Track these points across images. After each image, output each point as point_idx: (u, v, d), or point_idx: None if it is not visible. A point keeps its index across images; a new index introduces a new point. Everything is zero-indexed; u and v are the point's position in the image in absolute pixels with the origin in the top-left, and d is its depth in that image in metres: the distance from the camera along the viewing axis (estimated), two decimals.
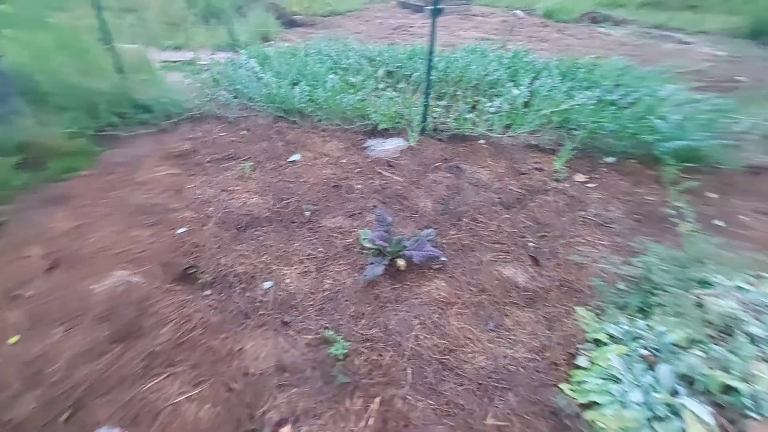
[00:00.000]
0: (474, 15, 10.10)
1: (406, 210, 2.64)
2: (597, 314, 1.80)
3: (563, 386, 1.59)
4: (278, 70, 4.52)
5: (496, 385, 1.61)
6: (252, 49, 5.55)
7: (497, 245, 2.33)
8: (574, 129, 3.26)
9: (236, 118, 3.89)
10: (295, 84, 4.22)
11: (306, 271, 2.15)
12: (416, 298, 2.00)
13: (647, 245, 1.92)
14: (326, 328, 1.83)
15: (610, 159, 3.05)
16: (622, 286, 1.90)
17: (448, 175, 2.99)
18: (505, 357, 1.71)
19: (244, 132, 3.66)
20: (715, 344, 1.47)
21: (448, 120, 3.67)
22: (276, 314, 1.91)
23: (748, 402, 1.31)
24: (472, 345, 1.77)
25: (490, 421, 1.50)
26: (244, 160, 3.17)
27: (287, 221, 2.51)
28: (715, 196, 2.64)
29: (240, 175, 2.97)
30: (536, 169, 3.03)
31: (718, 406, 1.35)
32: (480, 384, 1.62)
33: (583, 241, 2.31)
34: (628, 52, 5.40)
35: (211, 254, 2.25)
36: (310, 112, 3.90)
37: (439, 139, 3.49)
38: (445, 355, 1.73)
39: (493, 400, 1.56)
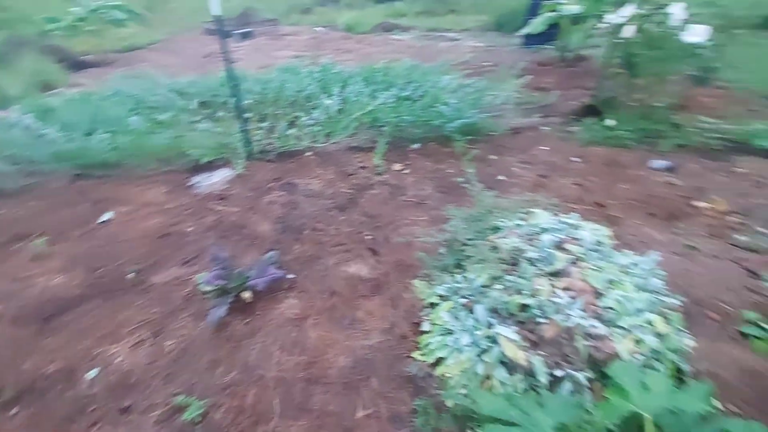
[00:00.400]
0: (284, 34, 10.12)
1: (246, 239, 2.49)
2: (428, 281, 1.98)
3: (414, 354, 1.70)
4: (66, 122, 3.77)
5: (360, 377, 1.63)
6: (28, 103, 4.50)
7: (339, 247, 2.37)
8: (383, 126, 3.52)
9: (20, 189, 3.11)
10: (91, 134, 3.58)
11: (141, 341, 1.83)
12: (271, 324, 1.90)
13: (452, 211, 2.18)
14: (176, 394, 1.60)
15: (416, 145, 3.40)
16: (442, 251, 2.13)
17: (282, 193, 2.93)
18: (363, 348, 1.75)
19: (34, 203, 2.95)
20: (509, 275, 1.75)
21: (272, 140, 3.59)
22: (111, 403, 1.58)
23: (537, 312, 1.60)
24: (332, 349, 1.76)
25: (359, 414, 1.51)
26: (36, 236, 2.54)
27: (108, 292, 2.11)
28: (495, 157, 3.17)
29: (34, 256, 2.38)
30: (361, 168, 3.19)
31: (520, 323, 1.61)
32: (345, 383, 1.62)
33: (408, 221, 2.51)
34: (414, 53, 6.10)
35: (7, 363, 1.74)
36: (117, 161, 3.35)
37: (268, 160, 3.38)
38: (309, 369, 1.68)
39: (359, 393, 1.58)
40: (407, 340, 1.77)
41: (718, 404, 1.47)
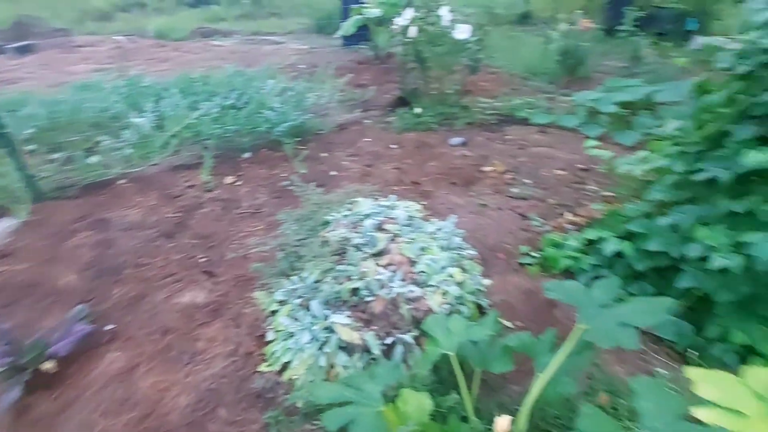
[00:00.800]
0: (80, 46, 8.36)
1: (46, 297, 2.01)
2: (268, 290, 1.92)
3: (262, 367, 1.63)
4: None
5: (204, 411, 1.50)
6: None
7: (169, 278, 2.11)
8: (207, 139, 3.24)
9: None
10: None
11: None
12: (90, 389, 1.58)
13: (283, 215, 2.15)
14: None
15: (247, 154, 3.24)
16: (280, 256, 2.08)
17: (91, 232, 2.45)
18: (206, 380, 1.60)
19: None
20: (339, 265, 1.82)
21: (71, 172, 2.96)
22: None
23: (366, 292, 1.70)
24: (170, 392, 1.57)
25: None
26: None
27: None
28: (325, 154, 3.24)
29: None
30: (188, 187, 2.88)
31: (353, 307, 1.69)
32: (189, 423, 1.46)
33: (245, 234, 2.39)
34: (238, 58, 5.76)
35: None
36: None
37: (68, 197, 2.78)
38: (143, 423, 1.46)
39: (206, 428, 1.44)
40: (253, 355, 1.69)
41: (510, 324, 1.82)
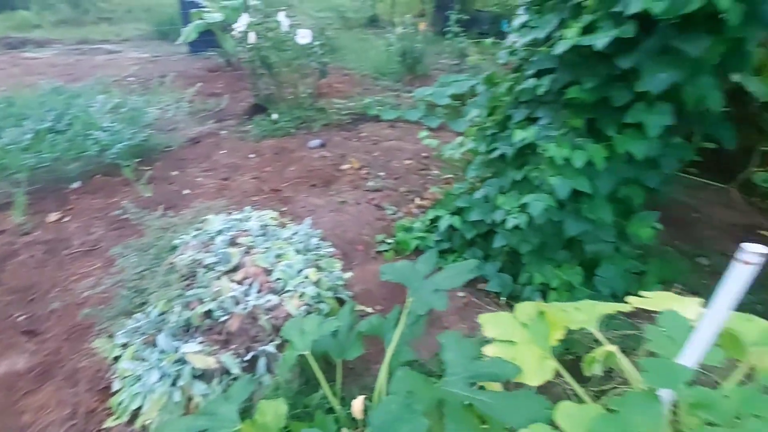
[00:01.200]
0: None
1: None
2: (108, 335, 1.67)
3: (108, 423, 1.42)
4: None
5: None
6: None
7: None
8: (18, 172, 2.64)
9: None
10: None
11: None
12: None
13: (118, 249, 1.88)
14: None
15: (76, 184, 2.74)
16: (121, 294, 1.83)
17: None
18: None
19: None
20: (189, 290, 1.68)
21: None
22: None
23: (220, 312, 1.60)
24: None
25: None
26: None
27: None
28: (176, 172, 2.93)
29: None
30: None
31: (207, 331, 1.58)
32: None
33: (77, 276, 2.03)
34: (60, 72, 4.80)
35: None
36: None
37: None
38: None
39: None
40: (97, 412, 1.46)
41: (371, 309, 1.92)
